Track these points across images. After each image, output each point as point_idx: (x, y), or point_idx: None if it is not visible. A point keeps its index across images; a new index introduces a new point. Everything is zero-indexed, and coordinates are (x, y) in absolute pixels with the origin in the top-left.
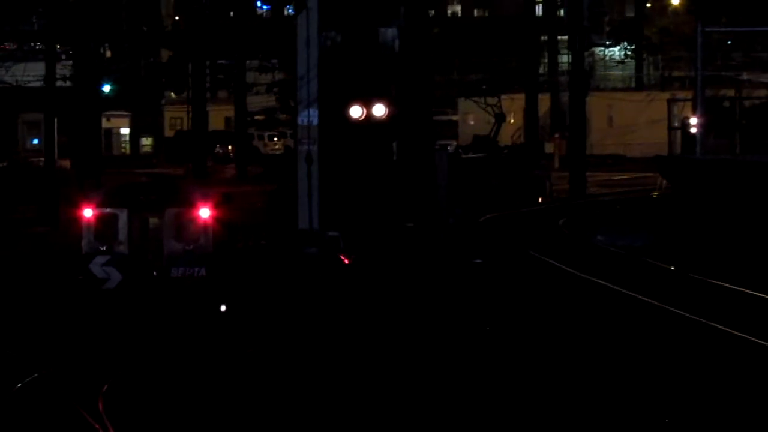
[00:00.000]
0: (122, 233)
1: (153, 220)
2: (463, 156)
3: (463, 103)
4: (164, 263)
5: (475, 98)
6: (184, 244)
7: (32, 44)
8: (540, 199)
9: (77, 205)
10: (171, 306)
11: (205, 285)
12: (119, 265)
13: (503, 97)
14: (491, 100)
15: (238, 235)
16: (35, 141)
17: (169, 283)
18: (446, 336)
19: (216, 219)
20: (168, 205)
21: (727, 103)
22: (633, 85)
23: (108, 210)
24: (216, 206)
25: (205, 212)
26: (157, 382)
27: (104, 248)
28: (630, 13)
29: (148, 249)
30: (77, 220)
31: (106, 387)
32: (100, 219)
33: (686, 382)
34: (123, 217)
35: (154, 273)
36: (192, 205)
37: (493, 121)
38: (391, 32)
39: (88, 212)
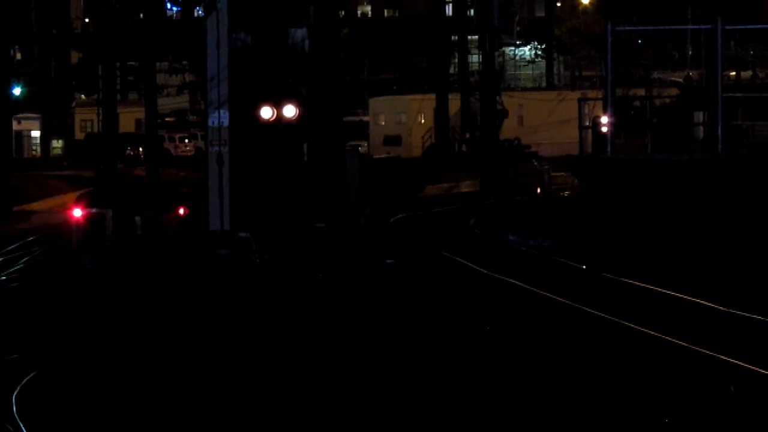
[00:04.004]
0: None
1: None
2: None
3: (374, 104)
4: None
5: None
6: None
7: None
8: (538, 191)
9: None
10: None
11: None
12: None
13: (413, 97)
14: None
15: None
16: None
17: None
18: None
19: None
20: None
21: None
22: (543, 84)
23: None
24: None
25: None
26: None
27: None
28: (540, 13)
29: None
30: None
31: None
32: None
33: (598, 380)
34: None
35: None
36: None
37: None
38: (300, 33)
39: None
